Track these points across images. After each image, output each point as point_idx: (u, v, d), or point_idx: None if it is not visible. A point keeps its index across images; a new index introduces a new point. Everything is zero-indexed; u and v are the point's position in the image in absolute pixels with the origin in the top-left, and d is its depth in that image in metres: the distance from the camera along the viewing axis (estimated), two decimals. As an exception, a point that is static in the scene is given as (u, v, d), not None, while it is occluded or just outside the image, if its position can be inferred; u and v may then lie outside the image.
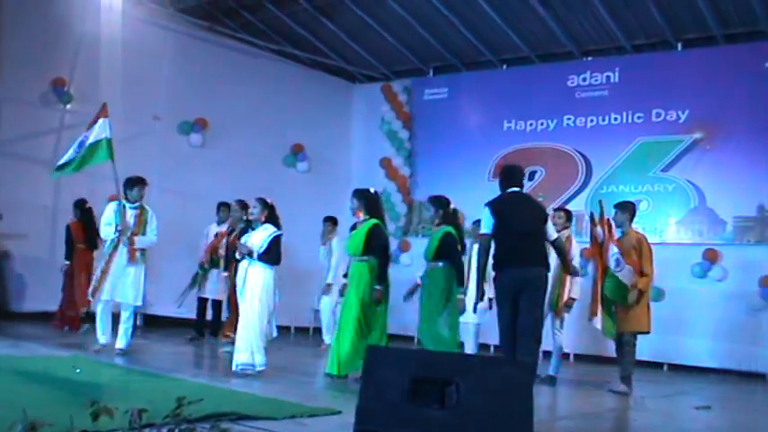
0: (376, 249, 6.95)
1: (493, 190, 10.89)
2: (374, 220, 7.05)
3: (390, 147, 12.98)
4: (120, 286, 7.65)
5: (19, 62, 10.15)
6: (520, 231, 6.33)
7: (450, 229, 7.01)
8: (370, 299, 6.88)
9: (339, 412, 5.13)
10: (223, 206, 10.12)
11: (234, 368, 6.95)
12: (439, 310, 6.90)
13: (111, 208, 7.75)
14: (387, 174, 12.93)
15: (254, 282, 6.94)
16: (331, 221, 10.18)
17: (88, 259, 9.66)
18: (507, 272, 6.22)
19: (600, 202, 7.63)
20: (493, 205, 6.34)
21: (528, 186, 11.09)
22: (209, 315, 10.14)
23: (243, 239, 7.21)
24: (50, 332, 9.46)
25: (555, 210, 8.32)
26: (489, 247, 6.34)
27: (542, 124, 11.74)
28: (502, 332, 6.32)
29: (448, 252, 6.91)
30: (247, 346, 6.92)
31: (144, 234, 7.79)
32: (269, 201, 7.26)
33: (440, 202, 7.24)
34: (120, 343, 7.78)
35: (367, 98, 13.55)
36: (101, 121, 7.95)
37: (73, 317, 9.75)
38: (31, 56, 10.21)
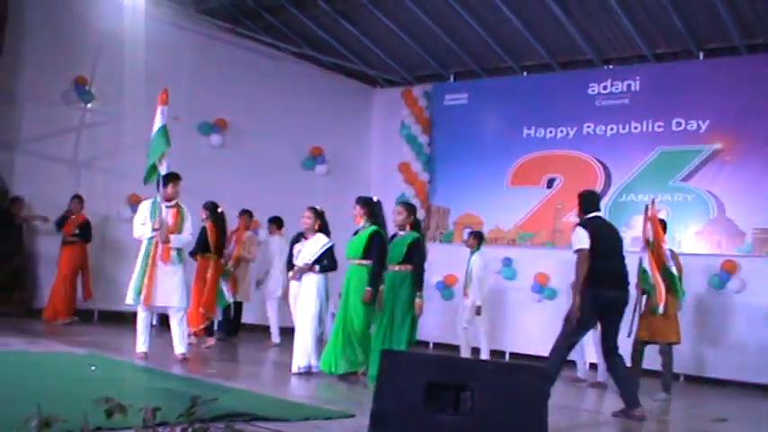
0: (374, 254, 7.14)
1: (512, 196, 11.97)
2: (375, 227, 7.24)
3: (409, 151, 12.99)
4: (164, 290, 7.42)
5: (41, 61, 10.14)
6: (612, 254, 6.53)
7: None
8: (371, 301, 7.10)
9: (353, 416, 5.13)
10: (244, 213, 10.32)
11: (295, 370, 7.32)
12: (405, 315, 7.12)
13: (145, 206, 7.57)
14: (405, 178, 12.95)
15: (309, 289, 7.40)
16: (275, 223, 10.31)
17: (210, 267, 9.25)
18: (601, 292, 6.38)
19: (651, 199, 7.56)
20: (587, 227, 6.45)
21: (546, 194, 11.36)
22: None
23: (295, 250, 7.60)
24: (69, 329, 9.46)
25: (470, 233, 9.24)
26: (587, 262, 6.40)
27: (562, 132, 11.72)
28: (566, 342, 6.51)
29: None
30: (304, 349, 7.35)
31: (180, 233, 7.58)
32: (319, 209, 7.59)
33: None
34: (181, 348, 7.58)
35: (387, 102, 13.59)
36: (159, 109, 7.73)
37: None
38: (52, 55, 10.21)
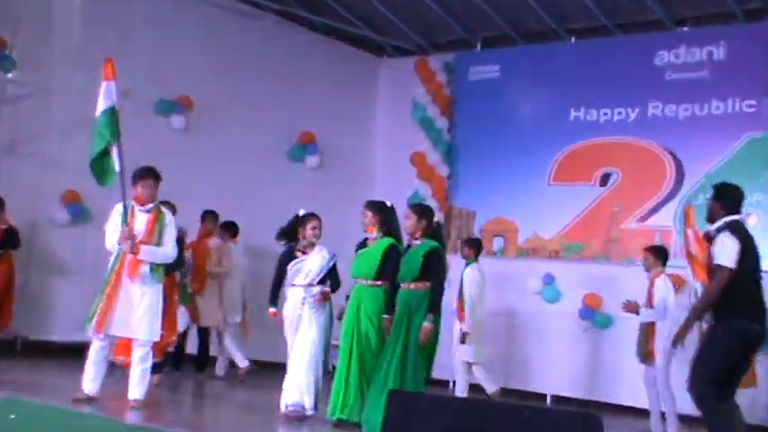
0: (390, 274, 7.41)
1: (554, 196, 11.86)
2: (390, 240, 7.55)
3: (424, 139, 12.96)
4: (125, 316, 7.43)
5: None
6: (758, 274, 6.48)
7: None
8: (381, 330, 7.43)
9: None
10: (209, 215, 10.41)
11: (282, 409, 7.64)
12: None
13: (117, 211, 7.62)
14: (419, 173, 12.91)
15: (309, 312, 7.76)
16: (229, 230, 10.58)
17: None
18: (749, 326, 6.33)
19: (685, 208, 7.59)
20: (738, 235, 6.34)
21: (599, 194, 11.42)
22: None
23: (294, 266, 7.90)
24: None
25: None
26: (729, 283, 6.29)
27: (620, 114, 11.65)
28: (711, 379, 6.34)
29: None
30: (297, 385, 7.62)
31: (159, 244, 7.60)
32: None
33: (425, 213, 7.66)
34: (136, 392, 7.55)
35: (396, 76, 13.61)
36: (104, 85, 7.72)
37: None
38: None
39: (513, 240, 12.14)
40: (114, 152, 7.63)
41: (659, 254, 9.08)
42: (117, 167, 7.59)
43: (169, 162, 10.87)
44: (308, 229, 7.96)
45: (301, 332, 7.77)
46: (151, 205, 7.71)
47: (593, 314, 10.99)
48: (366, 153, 13.65)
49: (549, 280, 11.44)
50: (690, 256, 7.28)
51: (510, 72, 12.62)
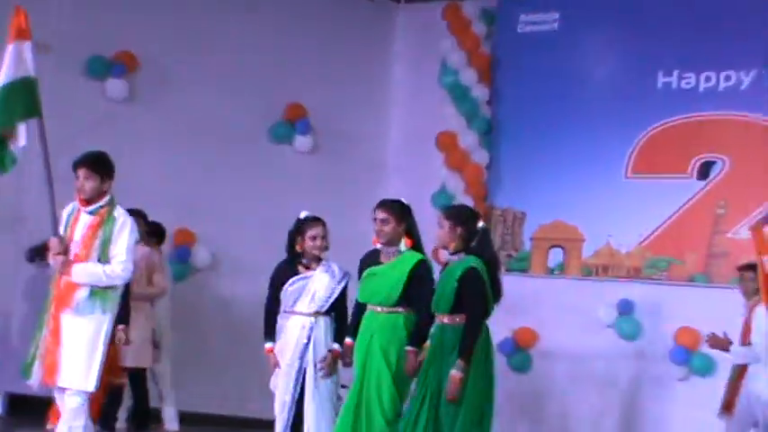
0: (424, 300, 7.38)
1: (634, 193, 11.71)
2: (419, 255, 7.61)
3: (456, 114, 12.73)
4: (59, 358, 7.36)
5: None
6: None
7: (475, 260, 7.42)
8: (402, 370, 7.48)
9: None
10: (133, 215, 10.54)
11: None
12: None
13: (66, 212, 7.64)
14: (448, 161, 12.69)
15: (322, 345, 7.82)
16: (154, 235, 10.48)
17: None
18: None
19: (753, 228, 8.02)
20: None
21: (697, 190, 11.39)
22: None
23: (293, 284, 7.88)
24: None
25: None
26: None
27: (728, 79, 11.35)
28: None
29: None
30: None
31: (100, 258, 7.37)
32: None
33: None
34: None
35: (418, 28, 13.49)
36: (11, 47, 7.54)
37: None
38: None
39: (576, 253, 11.95)
40: (20, 135, 7.73)
41: None
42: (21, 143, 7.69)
43: (103, 141, 11.07)
44: (308, 240, 7.82)
45: (308, 391, 7.81)
46: (97, 205, 7.51)
47: (689, 356, 10.76)
48: (376, 133, 13.41)
49: (626, 308, 11.17)
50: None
51: (574, 21, 12.44)
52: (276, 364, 7.83)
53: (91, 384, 7.26)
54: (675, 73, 11.59)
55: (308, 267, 7.85)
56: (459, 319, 7.12)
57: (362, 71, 13.32)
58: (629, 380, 10.96)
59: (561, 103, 12.15)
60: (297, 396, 7.76)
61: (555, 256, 12.02)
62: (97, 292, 7.29)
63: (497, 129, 12.64)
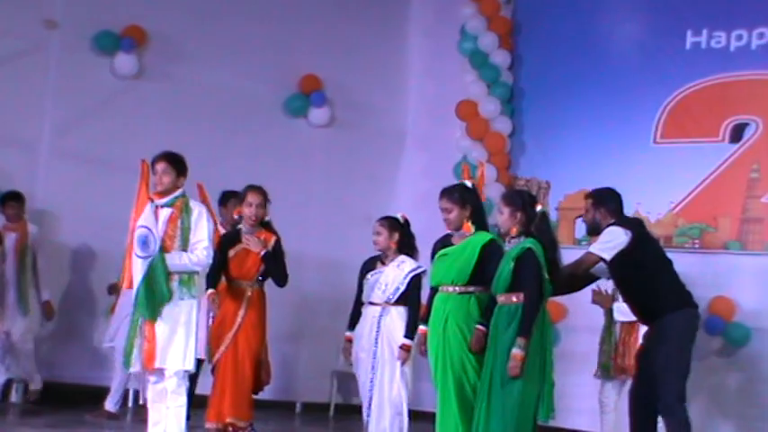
0: (492, 275, 7.50)
1: (663, 159, 11.70)
2: (490, 235, 7.79)
3: (476, 80, 12.63)
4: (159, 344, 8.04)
5: None
6: None
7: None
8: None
9: None
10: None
11: None
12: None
13: (148, 209, 8.00)
14: (469, 130, 12.54)
15: (394, 337, 8.50)
16: None
17: None
18: None
19: None
20: None
21: (729, 154, 11.23)
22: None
23: (370, 277, 8.70)
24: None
25: None
26: None
27: (761, 37, 11.21)
28: None
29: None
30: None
31: (185, 248, 8.04)
32: (399, 217, 8.75)
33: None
34: None
35: None
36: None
37: None
38: None
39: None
40: None
41: None
42: None
43: (112, 119, 11.46)
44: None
45: (380, 361, 8.53)
46: (171, 197, 8.06)
47: (723, 326, 10.64)
48: (394, 103, 13.26)
49: None
50: None
51: (596, -19, 12.24)
52: (347, 350, 8.77)
53: (190, 364, 7.94)
54: (705, 32, 11.45)
55: (383, 263, 8.65)
56: (515, 298, 7.28)
57: (378, 39, 13.16)
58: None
59: (586, 66, 12.06)
60: (374, 378, 8.50)
61: (582, 227, 11.47)
62: (185, 278, 7.95)
63: (519, 95, 12.59)
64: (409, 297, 8.53)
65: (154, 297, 7.82)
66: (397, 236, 8.61)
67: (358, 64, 12.86)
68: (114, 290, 10.49)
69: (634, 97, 11.69)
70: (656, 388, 7.59)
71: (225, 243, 8.85)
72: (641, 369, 7.83)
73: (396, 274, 8.56)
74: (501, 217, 7.60)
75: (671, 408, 7.58)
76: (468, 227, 7.87)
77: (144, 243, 7.82)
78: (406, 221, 8.74)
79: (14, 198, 10.59)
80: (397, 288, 8.52)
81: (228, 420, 8.83)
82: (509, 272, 7.36)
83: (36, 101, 10.97)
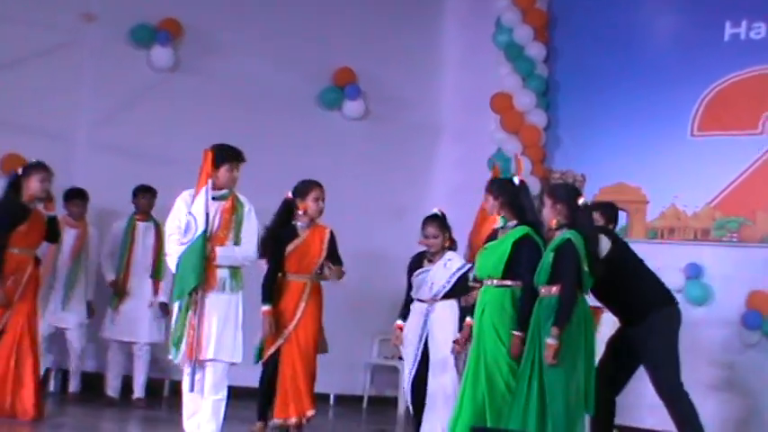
0: (525, 273, 7.63)
1: (701, 151, 11.64)
2: (526, 228, 7.78)
3: (511, 73, 12.63)
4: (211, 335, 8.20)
5: None
6: None
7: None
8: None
9: None
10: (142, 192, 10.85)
11: None
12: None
13: (183, 200, 8.18)
14: (504, 123, 12.55)
15: (445, 333, 8.58)
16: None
17: None
18: None
19: None
20: None
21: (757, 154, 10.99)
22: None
23: (417, 276, 8.79)
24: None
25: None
26: None
27: None
28: None
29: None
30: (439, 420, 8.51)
31: (236, 242, 8.26)
32: (439, 213, 8.83)
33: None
34: (208, 428, 8.17)
35: None
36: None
37: None
38: None
39: (640, 216, 11.84)
40: None
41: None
42: None
43: (148, 112, 11.56)
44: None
45: (432, 359, 8.67)
46: (225, 191, 8.23)
47: (761, 320, 10.53)
48: (429, 96, 13.32)
49: (694, 272, 10.98)
50: None
51: (635, -29, 12.18)
52: (398, 338, 8.96)
53: (239, 356, 8.11)
54: (744, 23, 11.35)
55: (431, 261, 8.75)
56: (554, 290, 7.40)
57: (413, 32, 13.16)
58: (700, 346, 10.51)
59: (622, 58, 12.02)
60: (416, 372, 8.68)
61: (618, 219, 11.80)
62: (234, 272, 8.14)
63: (555, 88, 12.60)
64: (458, 292, 8.57)
65: (183, 279, 7.94)
66: (447, 234, 8.73)
67: (392, 56, 12.89)
68: (115, 285, 10.70)
69: (671, 89, 11.60)
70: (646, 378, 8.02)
71: (282, 239, 8.84)
72: (615, 352, 8.15)
73: (443, 273, 8.63)
74: (543, 209, 7.75)
75: (674, 394, 7.88)
76: (495, 219, 8.09)
77: (186, 230, 7.95)
78: (443, 214, 8.80)
79: (79, 196, 10.58)
80: (443, 287, 8.61)
81: (309, 414, 8.89)
82: (549, 263, 7.50)
83: (73, 94, 11.04)
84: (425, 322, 8.68)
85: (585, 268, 7.45)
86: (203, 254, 7.86)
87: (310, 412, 8.96)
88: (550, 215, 7.67)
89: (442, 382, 8.58)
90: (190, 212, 7.92)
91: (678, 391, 7.91)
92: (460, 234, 9.11)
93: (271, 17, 12.18)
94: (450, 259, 8.67)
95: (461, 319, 8.51)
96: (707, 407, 9.86)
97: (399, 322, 8.97)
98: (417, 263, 8.85)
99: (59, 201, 9.93)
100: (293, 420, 8.85)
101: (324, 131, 12.34)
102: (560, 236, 7.59)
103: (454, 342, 8.40)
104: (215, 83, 11.79)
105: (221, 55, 11.92)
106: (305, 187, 8.79)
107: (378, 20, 12.86)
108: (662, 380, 7.98)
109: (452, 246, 8.84)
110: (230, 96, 11.80)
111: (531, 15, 12.55)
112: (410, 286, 8.90)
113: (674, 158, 11.55)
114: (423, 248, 8.86)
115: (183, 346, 7.96)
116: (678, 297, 10.31)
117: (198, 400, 8.08)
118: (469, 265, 8.44)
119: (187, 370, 8.03)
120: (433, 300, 8.66)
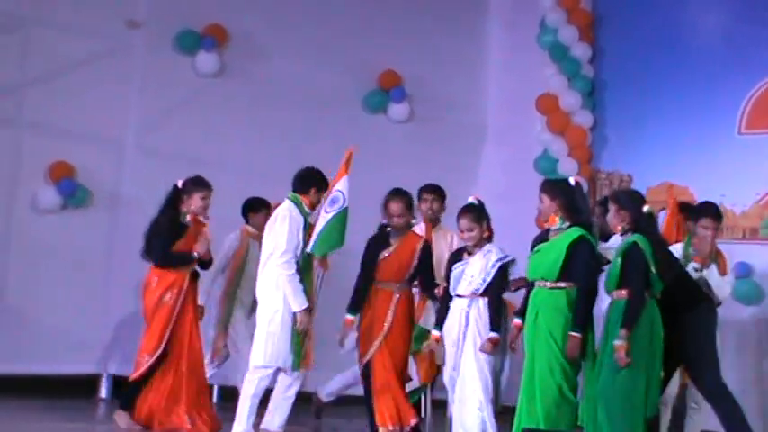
0: (582, 276, 7.70)
1: (749, 149, 11.56)
2: (580, 231, 7.78)
3: (556, 74, 12.66)
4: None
5: None
6: None
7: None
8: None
9: None
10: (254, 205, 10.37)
11: None
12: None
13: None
14: (550, 124, 12.59)
15: (483, 329, 8.34)
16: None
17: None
18: None
19: None
20: None
21: None
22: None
23: (456, 269, 8.50)
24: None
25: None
26: None
27: None
28: None
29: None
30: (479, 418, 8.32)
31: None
32: (475, 201, 8.60)
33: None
34: (273, 423, 8.65)
35: None
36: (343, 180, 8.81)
37: None
38: None
39: None
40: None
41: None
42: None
43: (195, 117, 11.56)
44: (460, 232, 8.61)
45: (466, 357, 8.40)
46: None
47: None
48: (474, 98, 13.27)
49: (743, 271, 10.80)
50: None
51: (680, -28, 12.03)
52: (436, 339, 8.56)
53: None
54: (792, 19, 11.14)
55: (470, 253, 8.44)
56: (625, 293, 7.52)
57: (457, 33, 13.13)
58: (748, 347, 10.65)
59: (667, 57, 11.96)
60: (459, 372, 8.40)
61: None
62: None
63: (600, 88, 12.57)
64: (494, 287, 8.34)
65: (329, 238, 8.42)
66: (485, 225, 8.47)
67: (437, 58, 12.86)
68: None
69: (718, 88, 11.55)
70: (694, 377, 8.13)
71: (375, 247, 8.89)
72: None
73: (482, 264, 8.36)
74: (608, 215, 7.86)
75: (719, 393, 7.90)
76: (554, 220, 7.97)
77: (333, 201, 8.48)
78: (481, 203, 8.58)
79: (267, 206, 10.14)
80: (484, 279, 8.34)
81: (413, 422, 8.87)
82: (617, 268, 7.60)
83: (121, 100, 11.07)
84: (467, 319, 8.42)
85: (654, 271, 7.50)
86: (345, 225, 8.46)
87: (413, 421, 8.96)
88: (615, 221, 7.76)
89: (472, 385, 8.31)
90: (339, 190, 8.56)
91: (722, 389, 7.92)
92: (507, 234, 8.97)
93: (315, 21, 12.18)
94: (489, 251, 8.42)
95: (492, 320, 8.31)
96: (753, 405, 10.05)
97: (436, 333, 8.60)
98: (456, 256, 8.62)
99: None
100: (390, 428, 8.87)
101: (369, 135, 12.14)
102: (626, 240, 7.69)
103: (488, 340, 8.24)
104: (260, 87, 11.76)
105: (266, 59, 11.92)
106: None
107: (422, 22, 12.81)
108: (706, 378, 8.00)
109: (490, 237, 8.55)
110: (276, 101, 11.79)
111: (575, 15, 12.55)
112: (448, 283, 8.54)
113: (721, 157, 11.49)
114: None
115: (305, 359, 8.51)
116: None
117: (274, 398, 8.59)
118: (511, 257, 8.39)
119: (257, 375, 8.42)
120: (474, 294, 8.38)
